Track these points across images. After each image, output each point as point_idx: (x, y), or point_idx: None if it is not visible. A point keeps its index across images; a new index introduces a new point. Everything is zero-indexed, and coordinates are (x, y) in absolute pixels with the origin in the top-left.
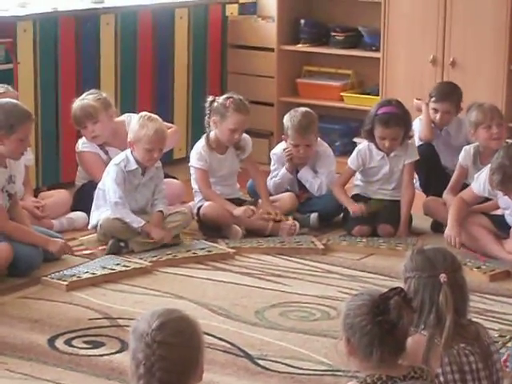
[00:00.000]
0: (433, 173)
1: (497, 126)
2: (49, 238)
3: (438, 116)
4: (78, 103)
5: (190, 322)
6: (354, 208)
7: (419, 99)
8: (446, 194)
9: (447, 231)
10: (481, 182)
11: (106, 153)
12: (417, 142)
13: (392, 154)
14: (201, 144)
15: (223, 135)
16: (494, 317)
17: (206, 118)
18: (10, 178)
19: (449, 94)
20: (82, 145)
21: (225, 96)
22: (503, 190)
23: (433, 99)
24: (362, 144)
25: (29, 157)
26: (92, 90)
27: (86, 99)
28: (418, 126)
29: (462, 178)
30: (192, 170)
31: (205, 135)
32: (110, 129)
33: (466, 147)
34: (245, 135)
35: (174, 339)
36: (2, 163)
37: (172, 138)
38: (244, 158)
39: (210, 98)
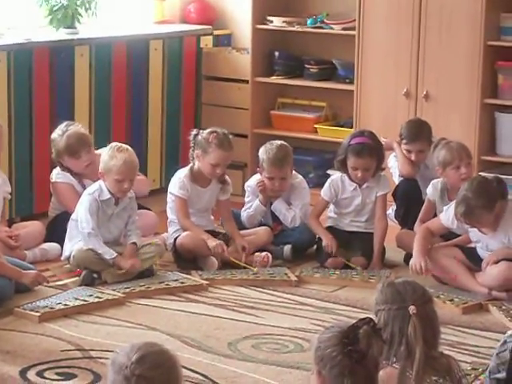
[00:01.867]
0: (413, 207)
1: (465, 166)
2: (21, 270)
3: (412, 156)
4: (70, 133)
5: (169, 356)
6: (327, 243)
7: (386, 138)
8: (417, 227)
9: (411, 260)
10: (450, 214)
11: (83, 186)
12: (397, 178)
13: (364, 186)
14: (183, 173)
15: (205, 169)
16: (466, 349)
17: (191, 150)
18: None
19: (418, 133)
20: (56, 175)
21: (209, 130)
22: (467, 221)
23: (404, 141)
24: (335, 175)
25: (7, 189)
26: (69, 122)
27: (74, 129)
28: (394, 163)
29: (431, 211)
30: (170, 198)
31: (189, 166)
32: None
33: (434, 181)
34: (228, 179)
35: (153, 373)
36: None
37: (142, 186)
38: (222, 199)
39: (194, 132)
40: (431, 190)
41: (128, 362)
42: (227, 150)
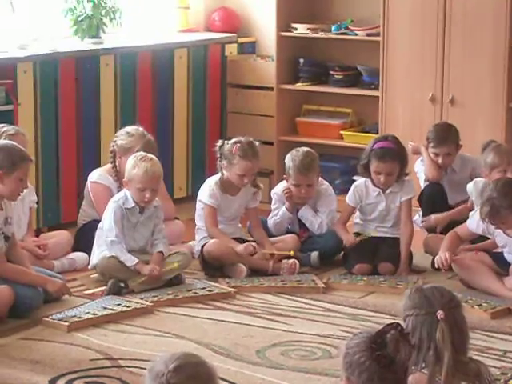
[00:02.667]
0: (438, 212)
1: (506, 173)
2: (47, 277)
3: (439, 159)
4: (147, 139)
5: (207, 369)
6: (345, 239)
7: (413, 142)
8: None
9: (437, 256)
10: (475, 219)
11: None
12: (423, 182)
13: (388, 191)
14: (213, 181)
15: (233, 179)
16: (495, 354)
17: (218, 161)
18: (5, 219)
19: (446, 137)
20: (98, 176)
21: (233, 141)
22: (492, 222)
23: (431, 144)
24: (359, 180)
25: (33, 198)
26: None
27: (148, 137)
28: (421, 167)
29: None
30: (199, 206)
31: (219, 175)
32: None
33: (478, 180)
34: (261, 185)
35: (189, 383)
36: None
37: (171, 211)
38: (251, 207)
39: (219, 143)
40: (472, 187)
41: (165, 370)
42: (251, 160)
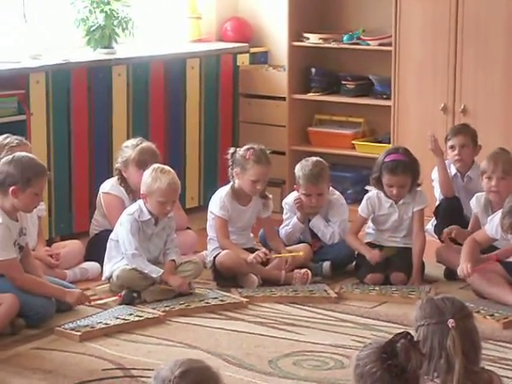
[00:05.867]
0: (454, 225)
1: (496, 179)
2: (65, 289)
3: (456, 150)
4: (143, 146)
5: (212, 373)
6: (370, 255)
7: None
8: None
9: (459, 267)
10: (494, 224)
11: (134, 200)
12: (439, 195)
13: (401, 202)
14: (224, 192)
15: (245, 186)
16: (508, 364)
17: (229, 169)
18: (21, 230)
19: (461, 128)
20: (110, 186)
21: (246, 147)
22: None
23: (448, 137)
24: (371, 192)
25: (41, 207)
26: (142, 138)
27: (148, 144)
28: (437, 177)
29: (478, 224)
30: (211, 216)
31: (230, 185)
32: None
33: (478, 194)
34: (269, 195)
35: None
36: (13, 217)
37: (183, 222)
38: (265, 216)
39: (231, 150)
40: (474, 203)
41: (171, 376)
42: (265, 166)
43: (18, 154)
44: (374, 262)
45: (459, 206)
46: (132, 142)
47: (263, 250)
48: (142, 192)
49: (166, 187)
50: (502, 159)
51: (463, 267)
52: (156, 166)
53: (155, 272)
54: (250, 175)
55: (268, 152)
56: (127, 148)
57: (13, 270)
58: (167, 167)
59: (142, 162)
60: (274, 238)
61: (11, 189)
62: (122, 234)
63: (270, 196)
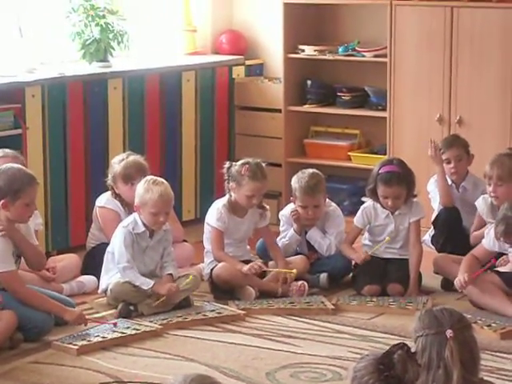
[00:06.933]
0: (453, 236)
1: (494, 185)
2: (64, 306)
3: (451, 164)
4: (129, 160)
5: None
6: (356, 256)
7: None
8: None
9: (456, 279)
10: (491, 237)
11: (130, 213)
12: (436, 203)
13: (397, 213)
14: (221, 204)
15: (241, 201)
16: (506, 375)
17: (225, 183)
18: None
19: (454, 140)
20: (106, 200)
21: (241, 162)
22: (507, 241)
23: (442, 151)
24: (367, 202)
25: (38, 221)
26: (130, 152)
27: (134, 158)
28: (434, 188)
29: (482, 224)
30: (207, 229)
31: (227, 197)
32: None
33: (486, 195)
34: (266, 205)
35: None
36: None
37: (179, 234)
38: (262, 226)
39: (227, 164)
40: (481, 202)
41: None
42: (261, 181)
43: (5, 166)
44: (359, 262)
45: (458, 217)
46: (119, 157)
47: (258, 261)
48: (135, 204)
49: (157, 198)
50: (497, 164)
51: (460, 278)
52: (149, 177)
53: (146, 284)
54: (245, 190)
55: (264, 165)
56: (115, 164)
57: (14, 282)
58: (160, 179)
59: (128, 176)
60: (275, 248)
61: (1, 202)
62: (116, 246)
63: (267, 206)
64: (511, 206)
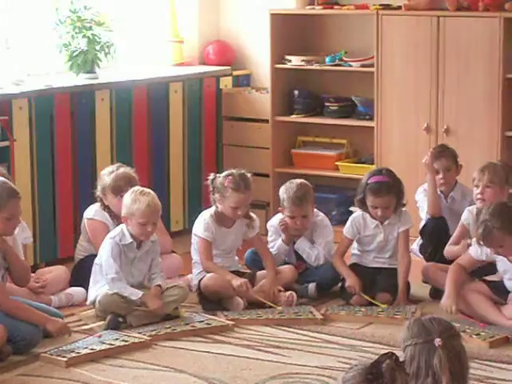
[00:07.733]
0: (441, 245)
1: (482, 187)
2: (48, 316)
3: (440, 175)
4: (118, 172)
5: None
6: (351, 283)
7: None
8: (447, 247)
9: (443, 300)
10: (478, 246)
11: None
12: (424, 213)
13: (386, 222)
14: (208, 214)
15: (227, 212)
16: None
17: (211, 194)
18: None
19: (443, 151)
20: (94, 212)
21: (225, 173)
22: (487, 245)
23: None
24: (357, 212)
25: (27, 235)
26: (121, 164)
27: (124, 170)
28: (423, 198)
29: (463, 235)
30: (195, 239)
31: (213, 208)
32: None
33: (470, 207)
34: (253, 215)
35: None
36: None
37: (167, 245)
38: (251, 236)
39: (211, 176)
40: (466, 215)
41: None
42: (244, 192)
43: None
44: (350, 291)
45: (445, 227)
46: (109, 169)
47: (246, 281)
48: (122, 215)
49: (145, 208)
50: (489, 169)
51: (447, 305)
52: (136, 188)
53: (135, 294)
54: (229, 202)
55: (250, 175)
56: (104, 175)
57: None
58: (147, 189)
59: (117, 189)
60: (267, 257)
61: None
62: (103, 258)
63: (254, 216)
64: (488, 209)
